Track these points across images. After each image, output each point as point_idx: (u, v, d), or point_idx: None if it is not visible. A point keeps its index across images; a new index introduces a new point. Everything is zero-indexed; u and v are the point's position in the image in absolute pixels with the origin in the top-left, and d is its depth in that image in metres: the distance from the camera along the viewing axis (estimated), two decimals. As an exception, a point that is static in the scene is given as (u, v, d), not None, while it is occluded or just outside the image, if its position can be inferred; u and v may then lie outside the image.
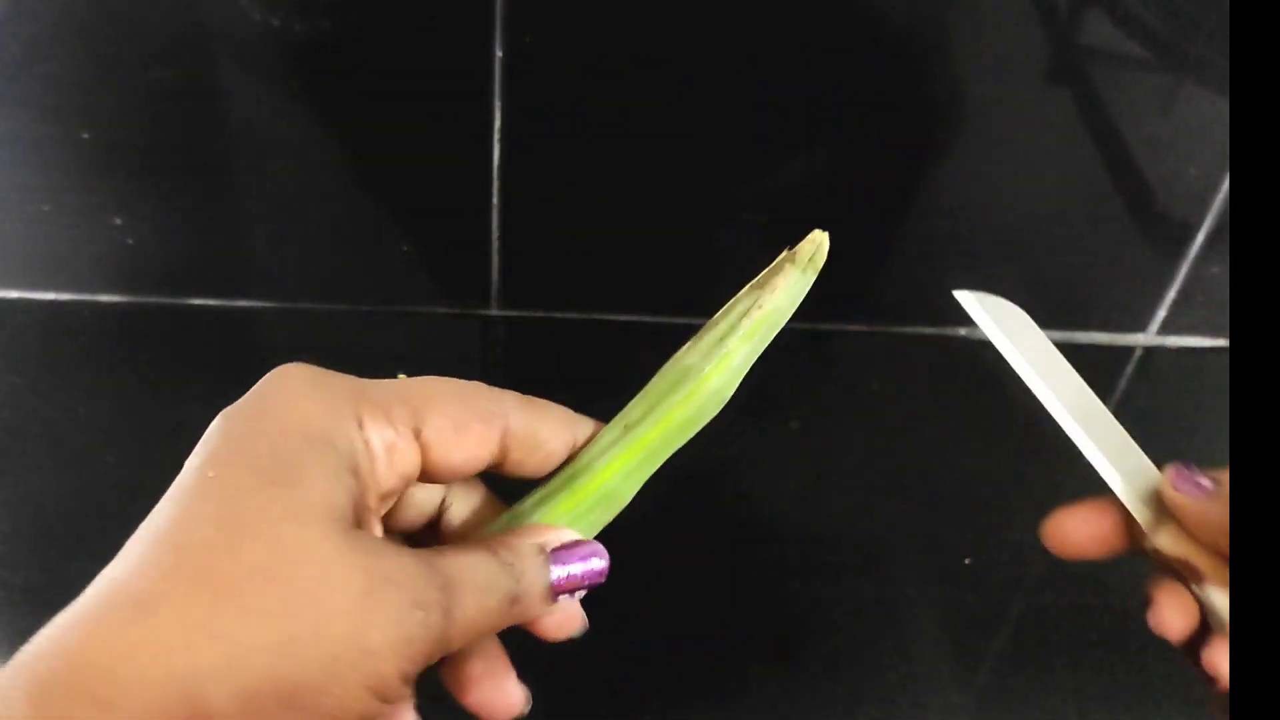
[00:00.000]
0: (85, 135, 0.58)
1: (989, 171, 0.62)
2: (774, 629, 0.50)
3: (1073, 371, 0.37)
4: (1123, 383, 0.67)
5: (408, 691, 0.24)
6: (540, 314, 0.67)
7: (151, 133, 0.59)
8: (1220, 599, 0.32)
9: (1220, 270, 0.66)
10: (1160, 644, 0.51)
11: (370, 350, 0.64)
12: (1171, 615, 0.33)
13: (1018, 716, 0.48)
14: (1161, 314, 0.68)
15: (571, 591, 0.28)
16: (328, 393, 0.26)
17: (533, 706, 0.46)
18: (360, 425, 0.26)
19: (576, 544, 0.29)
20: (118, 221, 0.62)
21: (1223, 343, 0.70)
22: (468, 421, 0.28)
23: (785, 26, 0.57)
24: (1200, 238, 0.65)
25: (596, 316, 0.67)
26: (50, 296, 0.65)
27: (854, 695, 0.48)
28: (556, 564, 0.28)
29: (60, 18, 0.54)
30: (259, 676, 0.21)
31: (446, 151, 0.60)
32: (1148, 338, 0.70)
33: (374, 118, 0.59)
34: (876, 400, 0.64)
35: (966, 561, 0.54)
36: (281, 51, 0.56)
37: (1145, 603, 0.34)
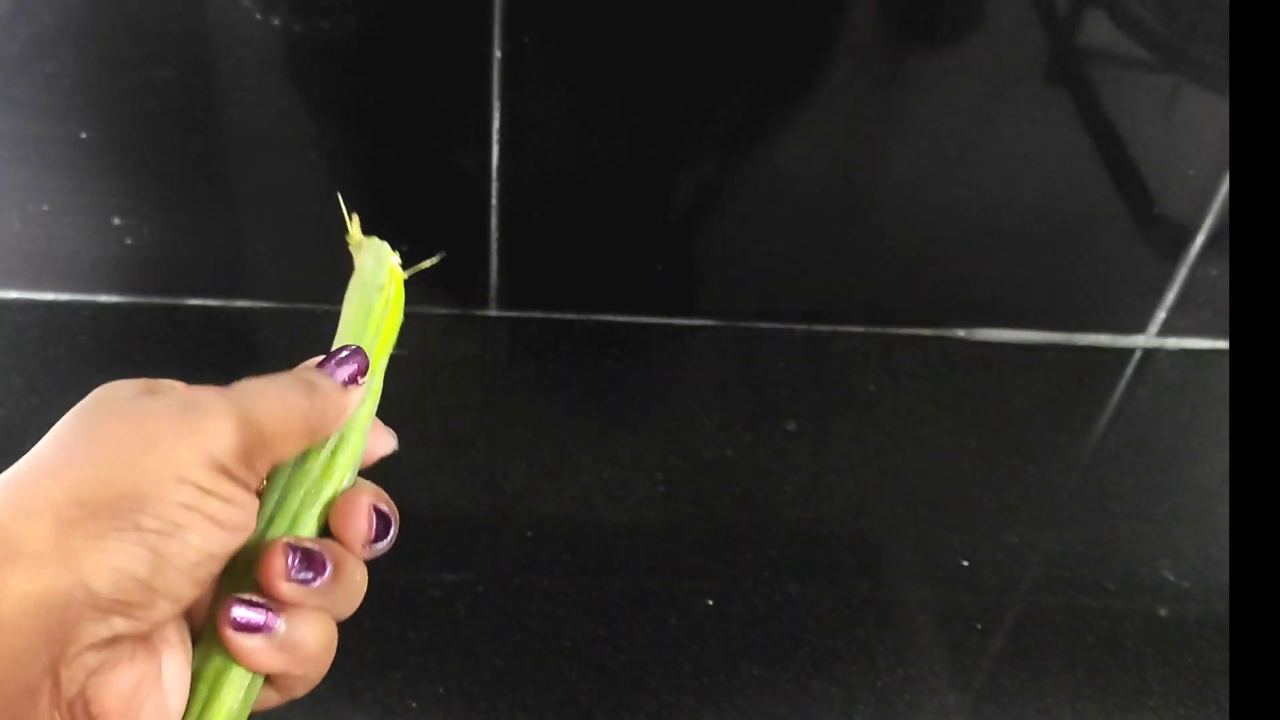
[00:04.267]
0: (84, 135, 0.58)
1: (989, 172, 0.62)
2: (769, 630, 0.50)
3: None
4: (1122, 384, 0.67)
5: (225, 483, 0.26)
6: (539, 314, 0.67)
7: (151, 133, 0.59)
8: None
9: (1220, 271, 0.66)
10: (1157, 646, 0.51)
11: (369, 350, 0.64)
12: None
13: (1014, 718, 0.48)
14: (1161, 315, 0.68)
15: (353, 379, 0.31)
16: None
17: (529, 708, 0.46)
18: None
19: (339, 353, 0.32)
20: (117, 221, 0.62)
21: (1223, 344, 0.70)
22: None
23: (784, 27, 0.57)
24: (1200, 239, 0.65)
25: (595, 317, 0.67)
26: (49, 296, 0.65)
27: (849, 696, 0.48)
28: (336, 369, 0.31)
29: (60, 18, 0.54)
30: (64, 499, 0.25)
31: (446, 152, 0.60)
32: (1148, 339, 0.70)
33: (373, 118, 0.59)
34: (874, 401, 0.64)
35: (964, 563, 0.54)
36: (281, 52, 0.56)
37: None
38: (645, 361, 0.66)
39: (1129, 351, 0.70)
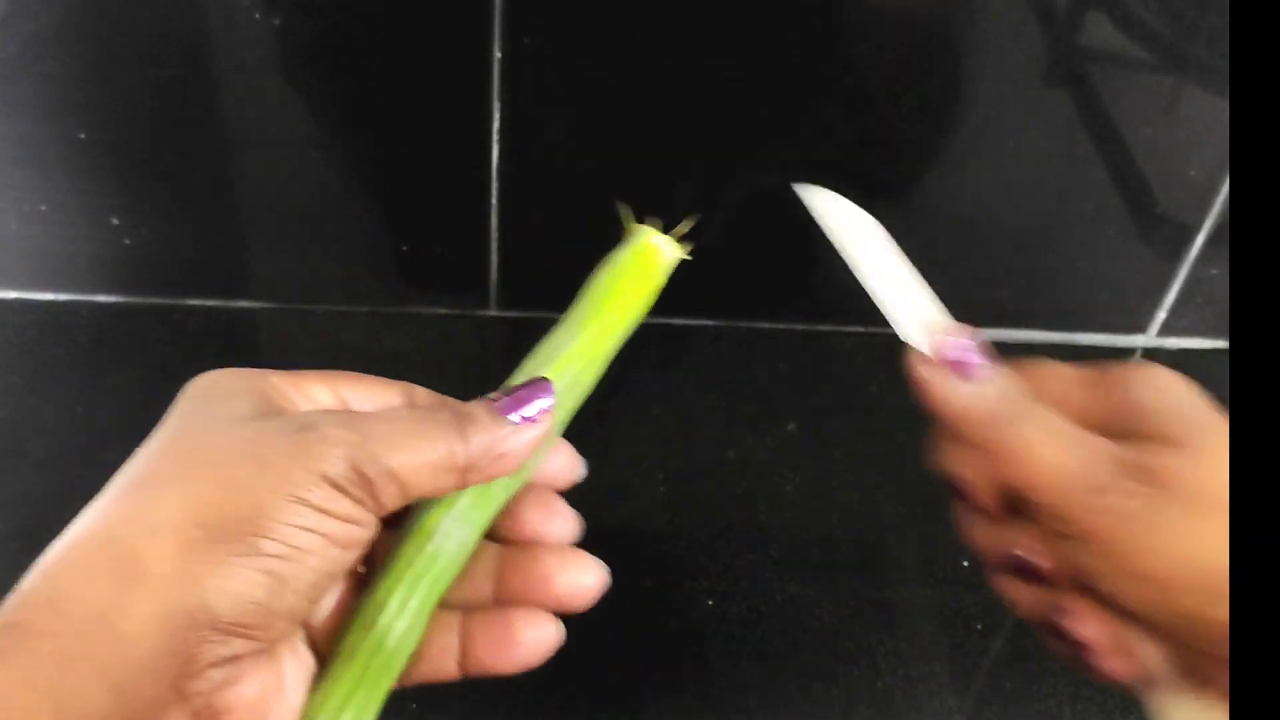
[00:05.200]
0: (82, 135, 0.58)
1: (989, 172, 0.62)
2: (769, 631, 0.50)
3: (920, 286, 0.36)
4: (1122, 384, 0.67)
5: (343, 502, 0.26)
6: (539, 314, 0.67)
7: (150, 133, 0.59)
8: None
9: (1220, 271, 0.66)
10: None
11: (370, 350, 0.64)
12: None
13: None
14: (1161, 315, 0.68)
15: (532, 417, 0.29)
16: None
17: (529, 709, 0.46)
18: (262, 376, 0.31)
19: (516, 389, 0.30)
20: (115, 222, 0.62)
21: (1223, 344, 0.70)
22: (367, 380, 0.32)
23: (784, 27, 0.57)
24: (1200, 239, 0.65)
25: (595, 317, 0.67)
26: (48, 297, 0.65)
27: (850, 698, 0.48)
28: (506, 412, 0.29)
29: (58, 18, 0.54)
30: (185, 519, 0.25)
31: (446, 152, 0.60)
32: (1148, 339, 0.70)
33: (373, 118, 0.59)
34: (875, 401, 0.64)
35: (964, 564, 0.54)
36: (281, 51, 0.56)
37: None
38: (645, 361, 0.66)
39: (1129, 351, 0.69)
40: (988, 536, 0.34)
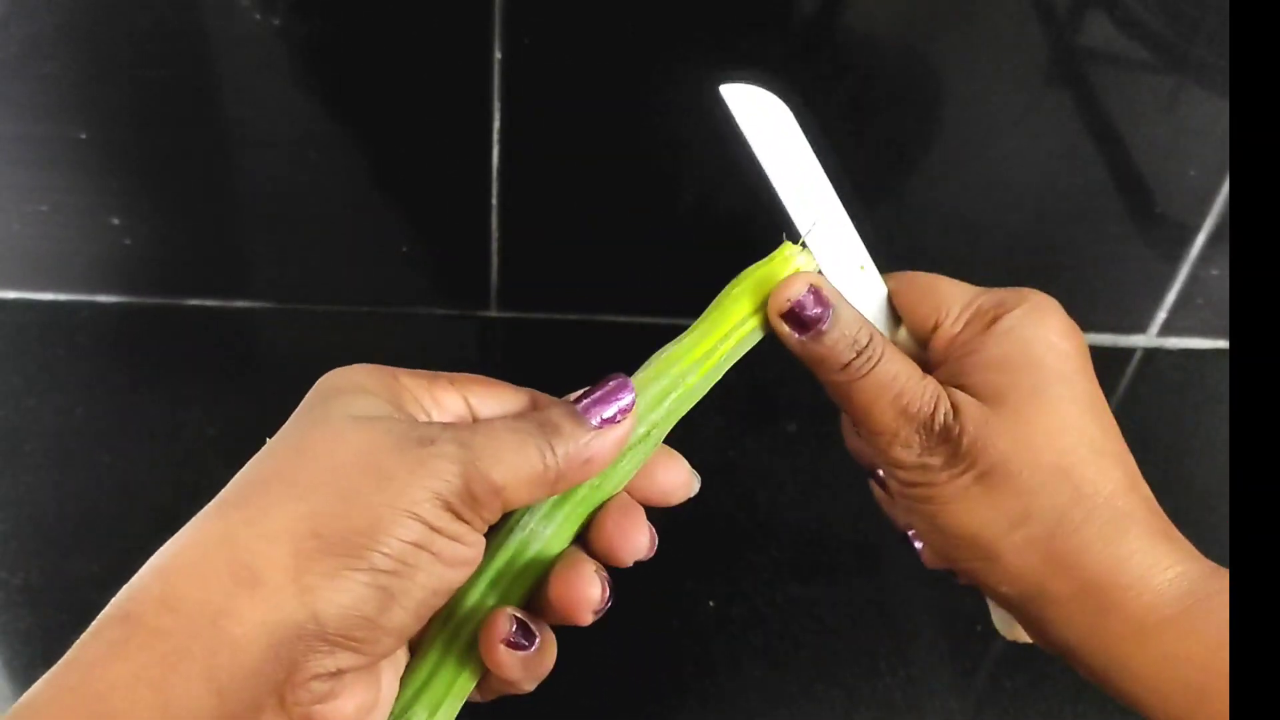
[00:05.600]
0: (83, 136, 0.58)
1: (989, 172, 0.62)
2: (770, 631, 0.50)
3: (822, 176, 0.37)
4: (1123, 384, 0.67)
5: (453, 522, 0.26)
6: (539, 315, 0.67)
7: (149, 133, 0.59)
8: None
9: (1220, 272, 0.66)
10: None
11: (369, 351, 0.63)
12: None
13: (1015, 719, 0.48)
14: (1162, 316, 0.68)
15: (614, 419, 0.30)
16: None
17: (527, 708, 0.46)
18: (395, 377, 0.31)
19: (596, 389, 0.30)
20: (116, 222, 0.62)
21: (1223, 344, 0.70)
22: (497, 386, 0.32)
23: (784, 29, 0.57)
24: (1200, 239, 0.65)
25: (595, 318, 0.67)
26: (48, 297, 0.65)
27: (851, 699, 0.48)
28: (588, 414, 0.29)
29: (58, 18, 0.54)
30: (302, 529, 0.25)
31: (446, 153, 0.60)
32: (1148, 339, 0.70)
33: (373, 118, 0.59)
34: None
35: (966, 563, 0.54)
36: (281, 51, 0.56)
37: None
38: (643, 362, 0.66)
39: (1129, 351, 0.69)
40: (861, 448, 0.37)
